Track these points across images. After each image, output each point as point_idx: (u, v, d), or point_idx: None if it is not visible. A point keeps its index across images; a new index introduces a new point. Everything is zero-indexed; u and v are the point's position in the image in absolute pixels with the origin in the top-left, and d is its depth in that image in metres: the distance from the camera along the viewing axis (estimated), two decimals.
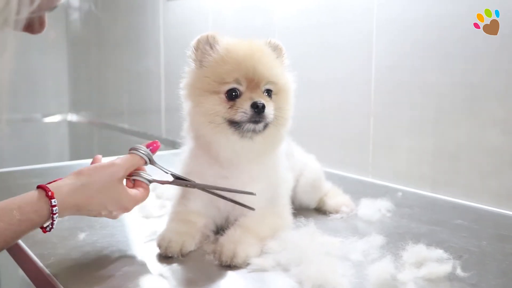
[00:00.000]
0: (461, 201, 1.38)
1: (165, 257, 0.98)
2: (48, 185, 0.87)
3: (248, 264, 0.94)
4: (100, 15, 3.34)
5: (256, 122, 1.00)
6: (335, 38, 1.72)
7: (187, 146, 1.13)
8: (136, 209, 1.27)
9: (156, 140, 1.04)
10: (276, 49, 1.10)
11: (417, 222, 1.21)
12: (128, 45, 3.00)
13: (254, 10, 2.05)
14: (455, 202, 1.38)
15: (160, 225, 1.09)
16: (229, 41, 1.06)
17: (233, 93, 1.01)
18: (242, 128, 1.01)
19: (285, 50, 1.11)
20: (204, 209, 1.07)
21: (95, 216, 0.97)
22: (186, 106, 1.08)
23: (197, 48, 1.06)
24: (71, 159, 3.44)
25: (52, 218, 0.86)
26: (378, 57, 1.59)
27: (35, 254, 0.99)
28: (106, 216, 0.98)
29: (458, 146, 1.41)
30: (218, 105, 1.01)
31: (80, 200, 0.90)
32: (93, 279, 0.89)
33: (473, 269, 0.91)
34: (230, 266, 0.93)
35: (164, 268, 0.94)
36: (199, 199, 1.07)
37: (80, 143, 3.65)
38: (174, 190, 1.15)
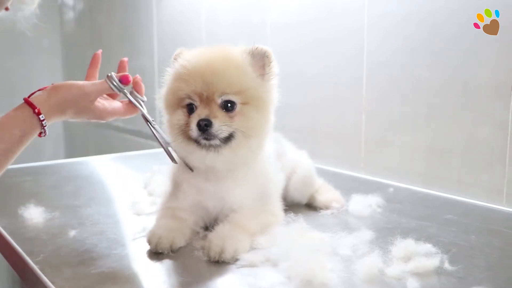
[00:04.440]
0: (452, 196, 1.38)
1: (155, 253, 0.98)
2: (32, 100, 1.00)
3: (236, 259, 0.94)
4: (94, 14, 3.34)
5: (208, 139, 0.99)
6: (327, 34, 1.72)
7: None
8: (127, 206, 1.29)
9: (127, 74, 1.08)
10: (262, 57, 1.03)
11: (407, 217, 1.21)
12: (122, 43, 2.99)
13: (247, 7, 2.05)
14: (446, 197, 1.38)
15: (151, 222, 1.09)
16: (190, 55, 1.04)
17: (191, 108, 1.02)
18: (199, 144, 1.01)
19: (273, 57, 1.05)
20: (192, 208, 1.07)
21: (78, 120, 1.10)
22: (165, 117, 1.10)
23: (173, 61, 1.07)
24: (66, 156, 3.45)
25: (43, 128, 1.01)
26: (369, 53, 1.60)
27: (24, 251, 1.00)
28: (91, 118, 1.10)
29: (450, 142, 1.42)
30: (181, 120, 1.03)
31: (57, 113, 1.03)
32: (82, 276, 0.89)
33: (461, 263, 0.91)
34: (219, 261, 0.93)
35: (154, 264, 0.95)
36: (188, 198, 1.08)
37: (75, 142, 3.64)
38: (164, 187, 1.15)
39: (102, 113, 1.08)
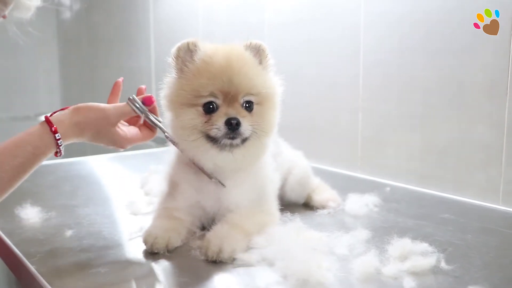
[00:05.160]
0: (449, 195, 1.39)
1: (151, 253, 0.98)
2: (51, 119, 0.99)
3: (234, 259, 0.94)
4: (90, 13, 3.33)
5: (232, 138, 0.99)
6: (324, 33, 1.72)
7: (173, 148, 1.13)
8: (124, 206, 1.29)
9: (151, 95, 1.06)
10: (258, 51, 1.05)
11: (404, 216, 1.21)
12: (119, 42, 2.99)
13: (244, 6, 2.05)
14: (442, 197, 1.39)
15: (147, 221, 1.08)
16: (207, 50, 1.02)
17: (210, 106, 0.99)
18: (219, 143, 1.00)
19: (268, 50, 1.07)
20: (190, 208, 1.07)
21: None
22: (166, 116, 1.06)
23: (177, 56, 1.03)
24: (63, 156, 3.43)
25: (59, 148, 0.99)
26: (366, 52, 1.60)
27: (20, 251, 0.99)
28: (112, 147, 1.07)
29: (446, 141, 1.42)
30: (195, 119, 1.00)
31: (75, 135, 1.01)
32: (79, 276, 0.89)
33: (457, 262, 0.92)
34: (216, 261, 0.93)
35: (150, 264, 0.95)
36: (185, 199, 1.07)
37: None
38: (161, 187, 1.15)
39: (122, 140, 1.05)
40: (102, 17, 3.20)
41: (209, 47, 1.03)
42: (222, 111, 0.99)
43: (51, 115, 1.00)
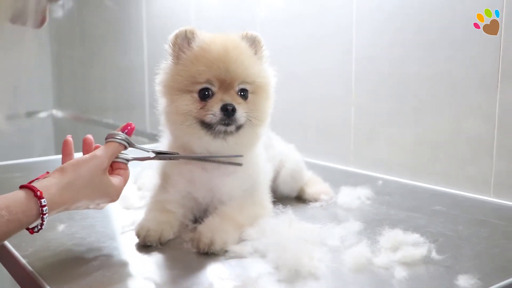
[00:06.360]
0: (440, 188, 1.39)
1: (143, 246, 0.98)
2: (34, 185, 0.83)
3: (226, 251, 0.94)
4: (82, 10, 3.32)
5: (227, 124, 0.99)
6: (316, 29, 1.73)
7: (165, 139, 1.13)
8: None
9: (130, 122, 1.00)
10: (253, 42, 1.07)
11: (396, 209, 1.22)
12: (111, 39, 2.98)
13: (236, 2, 2.05)
14: (434, 189, 1.40)
15: (140, 215, 1.08)
16: (204, 38, 1.03)
17: (206, 93, 1.00)
18: (214, 129, 1.00)
19: (263, 41, 1.09)
20: (182, 200, 1.07)
21: (83, 209, 0.95)
22: (161, 102, 1.07)
23: (174, 43, 1.04)
24: (56, 153, 3.43)
25: (42, 218, 0.82)
26: (358, 47, 1.60)
27: (12, 245, 0.99)
28: (93, 208, 0.97)
29: (438, 135, 1.43)
30: (190, 105, 1.00)
31: (68, 198, 0.87)
32: (71, 269, 0.89)
33: (448, 252, 0.92)
34: (208, 253, 0.93)
35: (142, 257, 0.95)
36: (177, 190, 1.07)
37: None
38: (153, 181, 1.15)
39: (115, 189, 0.94)
40: (94, 14, 3.19)
41: (206, 36, 1.04)
42: (218, 97, 0.99)
43: (29, 183, 0.83)
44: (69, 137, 0.98)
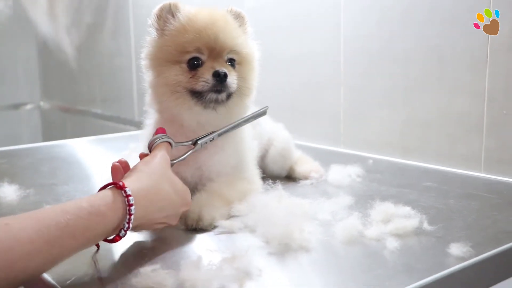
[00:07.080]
0: (431, 165, 1.39)
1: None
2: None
3: (214, 227, 0.93)
4: None
5: (219, 91, 0.99)
6: (303, 9, 1.71)
7: (151, 119, 1.11)
8: (104, 182, 1.25)
9: (159, 127, 0.97)
10: (238, 17, 1.08)
11: (387, 185, 1.21)
12: (98, 26, 2.94)
13: None
14: (425, 167, 1.39)
15: None
16: (191, 10, 1.04)
17: (195, 62, 0.99)
18: (205, 98, 0.99)
19: (247, 17, 1.10)
20: None
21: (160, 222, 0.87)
22: (147, 77, 1.05)
23: (159, 16, 1.04)
24: (42, 139, 3.39)
25: (129, 211, 0.74)
26: (346, 26, 1.59)
27: None
28: (170, 217, 0.88)
29: (427, 113, 1.42)
30: (179, 75, 0.99)
31: (151, 190, 0.81)
32: None
33: (440, 223, 0.92)
34: (196, 229, 0.92)
35: (132, 235, 0.92)
36: None
37: (53, 130, 3.58)
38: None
39: (187, 190, 0.92)
40: (79, 2, 3.14)
41: (191, 8, 1.04)
42: (208, 65, 0.99)
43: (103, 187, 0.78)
44: (115, 163, 0.90)
